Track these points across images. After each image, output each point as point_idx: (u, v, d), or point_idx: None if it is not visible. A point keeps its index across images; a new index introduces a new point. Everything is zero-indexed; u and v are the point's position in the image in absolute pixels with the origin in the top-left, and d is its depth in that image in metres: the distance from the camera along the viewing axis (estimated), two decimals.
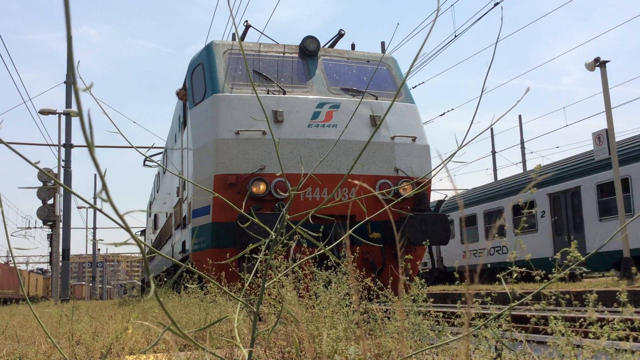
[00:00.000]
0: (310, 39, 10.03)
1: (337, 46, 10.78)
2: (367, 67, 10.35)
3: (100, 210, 1.16)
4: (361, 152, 1.54)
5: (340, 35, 10.66)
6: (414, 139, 9.60)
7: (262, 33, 10.89)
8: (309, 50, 9.96)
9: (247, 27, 10.43)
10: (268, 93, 9.18)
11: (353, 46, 10.85)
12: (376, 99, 9.78)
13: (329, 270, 3.94)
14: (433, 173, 8.90)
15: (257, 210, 8.09)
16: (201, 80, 9.61)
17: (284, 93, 9.26)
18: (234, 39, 10.44)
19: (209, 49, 9.67)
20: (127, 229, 1.09)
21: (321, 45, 10.20)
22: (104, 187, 0.92)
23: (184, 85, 10.79)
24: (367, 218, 1.92)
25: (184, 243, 10.84)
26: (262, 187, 8.50)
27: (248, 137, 8.73)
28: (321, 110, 9.27)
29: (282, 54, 9.88)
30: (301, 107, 9.18)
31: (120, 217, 1.02)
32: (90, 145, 0.87)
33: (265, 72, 9.50)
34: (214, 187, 8.51)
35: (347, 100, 9.47)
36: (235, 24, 1.42)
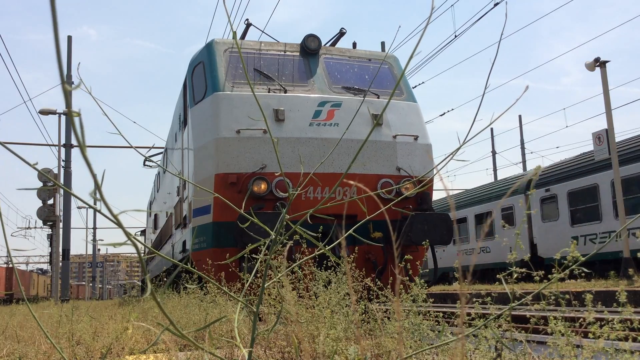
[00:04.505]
0: (311, 38, 9.97)
1: (338, 45, 10.73)
2: (369, 65, 10.31)
3: (99, 211, 1.15)
4: (359, 149, 1.53)
5: (341, 33, 10.61)
6: (415, 137, 9.55)
7: (262, 31, 10.87)
8: (310, 48, 9.91)
9: (248, 25, 10.39)
10: (269, 91, 9.14)
11: (354, 45, 10.82)
12: (378, 97, 9.74)
13: (329, 270, 3.94)
14: (435, 172, 8.87)
15: (257, 210, 8.07)
16: (202, 79, 9.57)
17: (285, 91, 9.21)
18: (234, 37, 10.39)
19: (209, 48, 9.64)
20: (123, 229, 1.08)
21: (322, 44, 10.15)
22: (97, 187, 0.92)
23: (185, 84, 10.75)
24: (368, 217, 1.91)
25: (184, 243, 10.83)
26: (263, 186, 8.47)
27: (249, 136, 8.69)
28: (322, 109, 9.23)
29: (283, 53, 9.83)
30: (302, 105, 9.14)
31: (115, 217, 1.01)
32: (82, 146, 0.86)
33: (266, 71, 9.45)
34: (214, 186, 8.48)
35: (349, 99, 9.43)
36: (232, 26, 1.41)
